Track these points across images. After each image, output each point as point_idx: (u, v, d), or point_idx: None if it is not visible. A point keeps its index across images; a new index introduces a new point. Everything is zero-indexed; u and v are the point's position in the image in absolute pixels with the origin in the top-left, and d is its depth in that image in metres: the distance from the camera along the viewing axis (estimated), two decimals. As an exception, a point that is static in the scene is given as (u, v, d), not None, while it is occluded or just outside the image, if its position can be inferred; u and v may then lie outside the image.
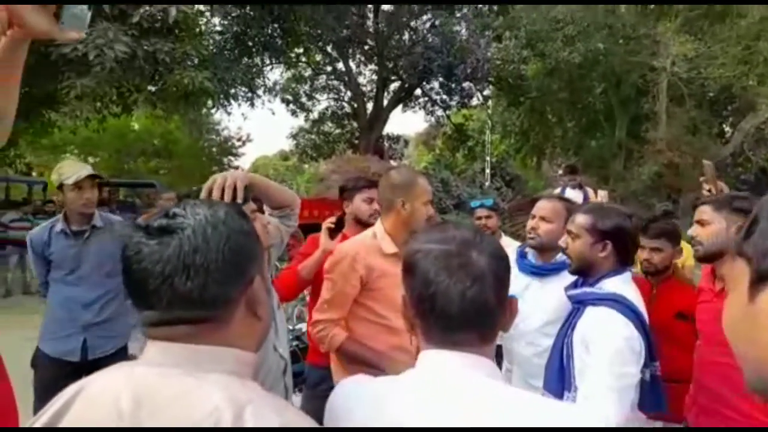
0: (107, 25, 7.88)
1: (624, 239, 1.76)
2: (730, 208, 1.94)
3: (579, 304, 1.79)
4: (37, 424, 0.79)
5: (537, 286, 2.27)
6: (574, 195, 5.76)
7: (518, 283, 2.29)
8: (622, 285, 1.76)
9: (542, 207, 2.30)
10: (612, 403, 1.53)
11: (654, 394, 1.73)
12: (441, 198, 14.51)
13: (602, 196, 5.50)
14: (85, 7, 1.06)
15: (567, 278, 2.03)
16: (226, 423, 0.70)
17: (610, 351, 1.59)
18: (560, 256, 2.20)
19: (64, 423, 0.77)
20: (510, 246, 3.39)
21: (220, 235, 0.80)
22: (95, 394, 0.79)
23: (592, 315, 1.70)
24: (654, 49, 15.61)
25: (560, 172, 6.21)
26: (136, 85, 9.57)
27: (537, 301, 2.21)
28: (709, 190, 2.56)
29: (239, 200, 1.55)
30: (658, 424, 2.24)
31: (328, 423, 0.95)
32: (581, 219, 1.81)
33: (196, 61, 9.25)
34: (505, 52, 14.55)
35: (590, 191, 5.84)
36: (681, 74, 15.38)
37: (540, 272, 2.28)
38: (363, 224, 2.71)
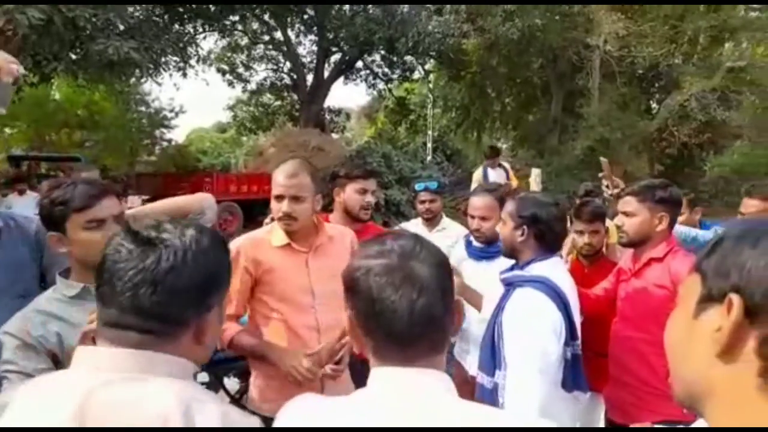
0: (18, -13, 7.20)
1: (539, 225, 1.85)
2: (653, 199, 2.12)
3: (509, 286, 1.86)
4: None
5: (485, 268, 2.50)
6: (496, 175, 5.91)
7: (470, 267, 2.58)
8: (551, 269, 1.83)
9: (478, 207, 2.48)
10: (534, 381, 1.62)
11: (575, 372, 1.80)
12: (383, 173, 14.49)
13: (535, 174, 5.67)
14: (9, 80, 1.03)
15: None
16: (177, 419, 0.77)
17: (533, 330, 1.68)
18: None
19: (15, 422, 0.79)
20: (451, 228, 3.45)
21: (197, 263, 0.85)
22: (39, 404, 0.80)
23: (519, 295, 1.78)
24: (588, 26, 16.06)
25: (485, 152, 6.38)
26: (54, 54, 8.83)
27: (488, 282, 2.32)
28: (607, 186, 2.76)
29: None
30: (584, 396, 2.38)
31: None
32: (508, 206, 1.97)
33: (121, 28, 8.64)
34: (446, 26, 14.50)
35: (509, 168, 6.03)
36: (612, 52, 15.94)
37: (487, 256, 2.54)
38: (353, 217, 2.60)
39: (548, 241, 1.88)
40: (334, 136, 22.41)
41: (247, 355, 2.07)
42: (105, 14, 8.20)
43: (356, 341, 0.93)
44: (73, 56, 9.44)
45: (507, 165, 5.97)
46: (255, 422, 0.88)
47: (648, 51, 15.72)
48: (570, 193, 14.09)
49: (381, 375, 0.89)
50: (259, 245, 2.04)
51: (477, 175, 6.06)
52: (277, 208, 2.01)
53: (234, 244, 2.03)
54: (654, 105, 21.00)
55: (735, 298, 0.59)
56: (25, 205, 8.94)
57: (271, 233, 2.08)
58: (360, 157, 15.38)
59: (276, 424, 0.94)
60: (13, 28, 7.15)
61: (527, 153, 20.33)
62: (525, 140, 21.82)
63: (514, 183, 5.61)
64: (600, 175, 2.84)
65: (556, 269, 1.86)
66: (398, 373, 0.87)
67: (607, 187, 2.78)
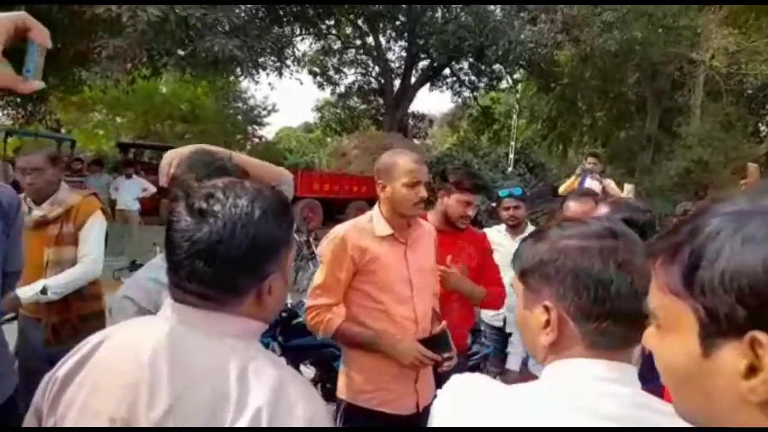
0: (141, -14, 7.90)
1: (632, 230, 1.83)
2: None
3: None
4: (63, 369, 0.89)
5: None
6: (593, 185, 5.62)
7: None
8: None
9: (581, 211, 2.43)
10: None
11: (653, 365, 1.73)
12: (463, 181, 14.37)
13: (628, 190, 5.41)
14: (42, 55, 1.01)
15: None
16: (233, 376, 0.81)
17: None
18: None
19: (88, 367, 0.87)
20: None
21: (247, 234, 0.85)
22: (118, 343, 0.89)
23: None
24: (694, 40, 15.13)
25: (586, 162, 6.04)
26: (166, 49, 9.57)
27: None
28: None
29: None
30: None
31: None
32: (601, 209, 1.96)
33: (227, 27, 9.21)
34: (539, 35, 14.20)
35: (610, 183, 5.72)
36: (720, 68, 14.91)
37: None
38: (449, 223, 2.58)
39: None
40: (416, 141, 22.55)
41: (352, 344, 2.07)
42: (214, 14, 8.79)
43: (553, 333, 0.84)
44: (182, 53, 10.17)
45: (609, 180, 5.66)
46: (314, 399, 0.88)
47: (761, 69, 14.56)
48: (662, 217, 13.29)
49: (584, 368, 0.81)
50: (363, 234, 2.04)
51: (570, 182, 5.79)
52: (413, 194, 2.00)
53: (338, 231, 2.06)
54: (763, 127, 19.41)
55: (763, 338, 0.47)
56: (130, 188, 9.78)
57: (373, 222, 2.08)
58: (441, 164, 15.39)
59: (439, 405, 0.90)
60: (134, 24, 7.85)
61: (616, 171, 19.42)
62: (615, 157, 20.82)
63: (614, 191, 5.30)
64: (742, 182, 2.68)
65: None
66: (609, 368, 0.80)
67: None
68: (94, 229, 2.62)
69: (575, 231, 0.86)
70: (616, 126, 21.03)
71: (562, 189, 5.77)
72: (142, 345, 0.84)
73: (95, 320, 2.68)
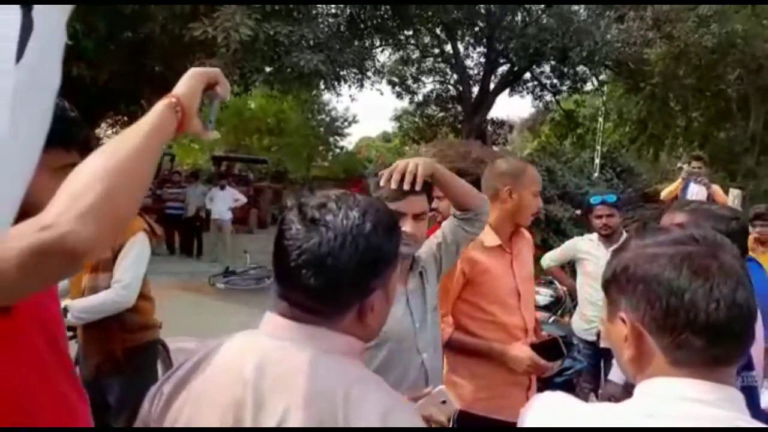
0: (234, 8, 8.40)
1: None
2: None
3: None
4: (169, 384, 0.90)
5: None
6: (697, 191, 5.27)
7: None
8: None
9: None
10: None
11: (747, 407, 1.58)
12: (545, 187, 13.98)
13: (734, 195, 5.04)
14: (226, 97, 1.08)
15: None
16: (339, 397, 0.79)
17: None
18: None
19: (193, 383, 0.88)
20: None
21: (356, 247, 0.84)
22: (222, 359, 0.88)
23: None
24: (806, 30, 13.83)
25: (686, 165, 5.60)
26: (256, 67, 10.11)
27: None
28: None
29: (417, 188, 1.49)
30: None
31: None
32: (677, 218, 1.83)
33: (311, 43, 9.59)
34: (627, 34, 13.53)
35: (717, 189, 5.32)
36: (838, 60, 13.52)
37: None
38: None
39: None
40: (495, 148, 22.19)
41: (463, 353, 2.07)
42: (300, 30, 9.19)
43: (630, 347, 0.81)
44: (269, 69, 10.70)
45: (715, 186, 5.26)
46: (420, 424, 0.87)
47: None
48: None
49: (676, 389, 0.76)
50: (472, 245, 1.99)
51: (673, 187, 5.44)
52: (535, 203, 2.06)
53: None
54: None
55: None
56: (224, 199, 10.40)
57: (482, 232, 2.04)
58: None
59: (533, 421, 0.91)
60: (227, 44, 8.36)
61: (716, 175, 18.04)
62: (714, 160, 19.33)
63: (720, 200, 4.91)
64: None
65: None
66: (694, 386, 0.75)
67: None
68: (132, 252, 2.37)
69: (652, 239, 0.82)
70: (714, 126, 19.55)
71: (663, 194, 5.48)
72: (245, 362, 0.84)
73: (143, 354, 2.48)
